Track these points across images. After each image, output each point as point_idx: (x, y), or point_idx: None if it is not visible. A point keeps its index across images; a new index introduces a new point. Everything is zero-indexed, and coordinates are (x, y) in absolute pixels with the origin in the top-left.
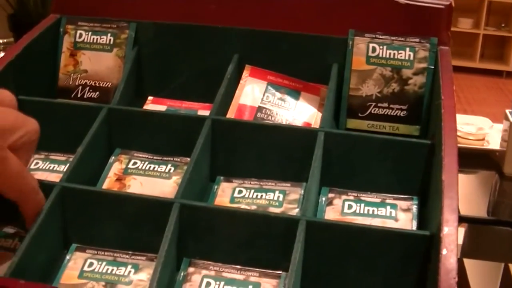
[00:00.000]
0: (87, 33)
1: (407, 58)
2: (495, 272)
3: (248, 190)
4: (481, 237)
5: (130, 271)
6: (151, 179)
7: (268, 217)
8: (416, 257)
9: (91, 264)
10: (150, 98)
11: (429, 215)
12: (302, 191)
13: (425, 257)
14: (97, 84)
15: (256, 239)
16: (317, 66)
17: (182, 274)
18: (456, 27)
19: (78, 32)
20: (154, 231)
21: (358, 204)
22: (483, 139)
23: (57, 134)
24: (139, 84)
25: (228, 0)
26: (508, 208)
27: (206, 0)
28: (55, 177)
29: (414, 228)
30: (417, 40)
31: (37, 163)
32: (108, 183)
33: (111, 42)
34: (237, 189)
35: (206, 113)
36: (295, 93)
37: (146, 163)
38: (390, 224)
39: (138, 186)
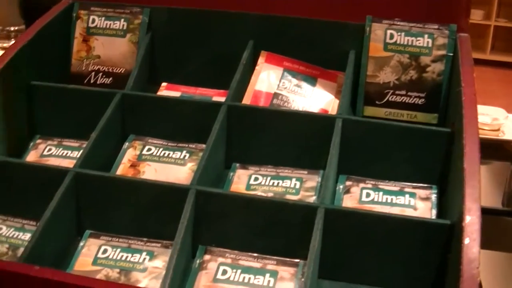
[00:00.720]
0: (100, 18)
1: (425, 45)
2: (509, 263)
3: (264, 177)
4: (495, 228)
5: (145, 258)
6: (165, 165)
7: (286, 204)
8: (436, 246)
9: (105, 251)
10: (163, 84)
11: (448, 204)
12: (319, 179)
13: (445, 246)
14: (110, 70)
15: (273, 227)
16: (333, 53)
17: (197, 261)
18: None
19: (91, 17)
20: (169, 218)
21: (376, 193)
22: (498, 130)
23: (70, 120)
24: (152, 70)
25: None
26: None
27: None
28: (68, 163)
29: (434, 217)
30: (436, 26)
31: (50, 149)
32: (122, 169)
33: (125, 28)
34: (253, 176)
35: (220, 99)
36: (312, 80)
37: (161, 149)
38: (409, 213)
39: (152, 172)
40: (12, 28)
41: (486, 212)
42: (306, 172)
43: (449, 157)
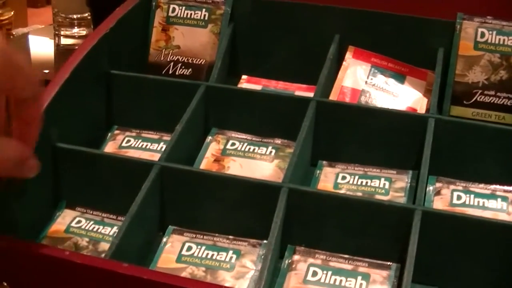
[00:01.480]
0: (180, 7)
1: None
2: None
3: (352, 176)
4: None
5: (231, 257)
6: (251, 161)
7: (381, 205)
8: None
9: (189, 248)
10: (244, 77)
11: None
12: (408, 179)
13: None
14: (189, 61)
15: (366, 228)
16: (420, 50)
17: (286, 262)
18: None
19: (171, 6)
20: (257, 216)
21: (468, 195)
22: None
23: (149, 111)
24: (232, 62)
25: None
26: None
27: None
28: (148, 156)
29: None
30: None
31: (128, 140)
32: (206, 163)
33: (206, 18)
34: (340, 175)
35: (303, 94)
36: (400, 77)
37: (245, 144)
38: (502, 217)
39: (237, 168)
40: (75, 16)
41: None
42: (395, 172)
43: None
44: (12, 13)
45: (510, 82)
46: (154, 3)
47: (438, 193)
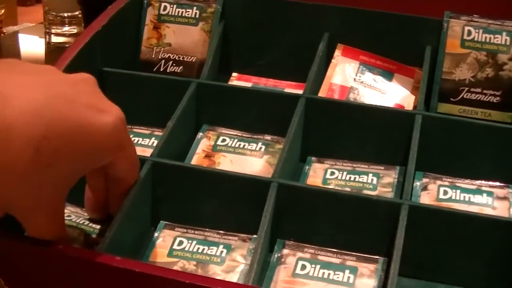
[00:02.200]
0: (171, 5)
1: (503, 42)
2: None
3: (341, 172)
4: None
5: (222, 251)
6: (241, 157)
7: (369, 200)
8: None
9: (180, 243)
10: (234, 74)
11: None
12: (396, 175)
13: None
14: (181, 58)
15: (354, 222)
16: (408, 48)
17: (276, 255)
18: None
19: (163, 4)
20: (247, 211)
21: (454, 190)
22: None
23: (141, 107)
24: (223, 60)
25: None
26: None
27: None
28: (139, 151)
29: None
30: None
31: None
32: (197, 159)
33: (197, 16)
34: (329, 170)
35: (293, 91)
36: (388, 75)
37: (236, 140)
38: (487, 212)
39: (228, 163)
40: (66, 14)
41: None
42: (382, 167)
43: None
44: (3, 11)
45: (496, 80)
46: (145, 1)
47: (425, 188)
